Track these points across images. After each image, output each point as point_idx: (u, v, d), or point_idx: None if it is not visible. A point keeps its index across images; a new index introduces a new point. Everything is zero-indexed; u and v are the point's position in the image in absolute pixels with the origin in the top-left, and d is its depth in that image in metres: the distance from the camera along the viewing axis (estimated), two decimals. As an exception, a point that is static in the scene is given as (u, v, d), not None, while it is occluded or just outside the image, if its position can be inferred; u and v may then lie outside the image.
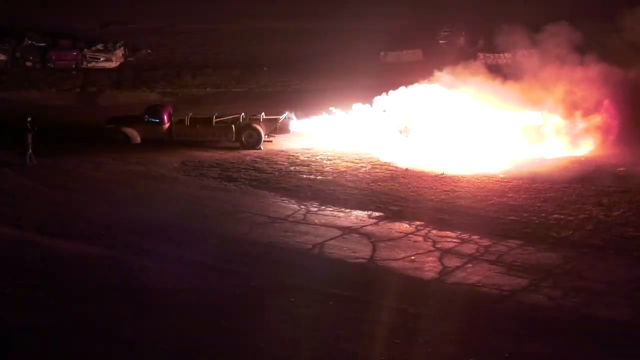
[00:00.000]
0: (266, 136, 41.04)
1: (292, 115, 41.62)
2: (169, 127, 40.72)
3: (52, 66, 57.79)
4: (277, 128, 41.33)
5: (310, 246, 28.59)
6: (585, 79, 38.99)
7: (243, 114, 41.35)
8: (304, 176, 36.28)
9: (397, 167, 37.00)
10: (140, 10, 65.03)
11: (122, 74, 56.98)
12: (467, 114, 38.85)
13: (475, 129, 38.62)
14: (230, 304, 24.51)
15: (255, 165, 37.92)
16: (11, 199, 33.65)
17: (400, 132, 39.72)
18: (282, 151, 40.16)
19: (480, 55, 55.01)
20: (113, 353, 21.98)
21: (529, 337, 22.55)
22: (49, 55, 58.18)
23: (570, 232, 29.46)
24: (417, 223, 30.51)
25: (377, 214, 31.66)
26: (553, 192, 33.20)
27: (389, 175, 36.13)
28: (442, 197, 33.34)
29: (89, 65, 58.10)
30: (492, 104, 38.84)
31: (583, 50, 40.68)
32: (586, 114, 38.79)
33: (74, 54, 58.41)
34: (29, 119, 37.83)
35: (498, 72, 41.85)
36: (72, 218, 31.45)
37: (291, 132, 41.51)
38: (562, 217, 30.77)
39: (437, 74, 40.12)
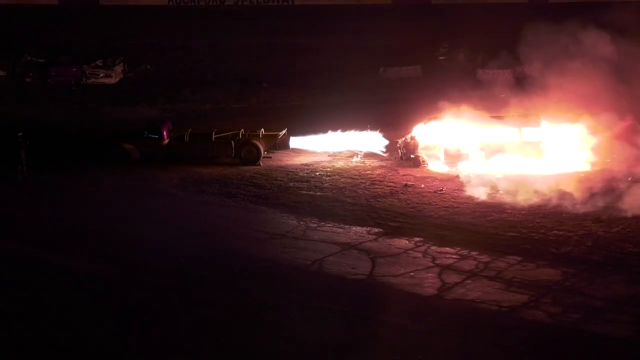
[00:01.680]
0: (265, 152, 41.00)
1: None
2: (168, 142, 40.66)
3: (52, 82, 57.75)
4: (276, 144, 41.31)
5: (309, 262, 28.60)
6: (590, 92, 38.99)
7: (242, 130, 41.30)
8: (303, 192, 36.26)
9: (396, 183, 37.00)
10: (140, 26, 65.09)
11: (121, 89, 56.96)
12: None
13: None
14: (229, 319, 24.53)
15: (255, 181, 37.89)
16: (10, 215, 33.61)
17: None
18: (281, 167, 40.12)
19: (480, 71, 55.03)
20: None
21: (528, 354, 22.57)
22: (48, 71, 58.15)
23: (570, 248, 29.46)
24: (417, 239, 30.51)
25: (376, 230, 31.65)
26: (552, 208, 33.17)
27: (388, 191, 36.10)
28: (442, 213, 33.33)
29: (89, 81, 58.03)
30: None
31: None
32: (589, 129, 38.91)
33: (74, 70, 58.31)
34: (19, 134, 37.90)
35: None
36: (71, 233, 31.48)
37: (290, 148, 41.49)
38: (561, 233, 30.77)
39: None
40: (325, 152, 41.27)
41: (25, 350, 23.21)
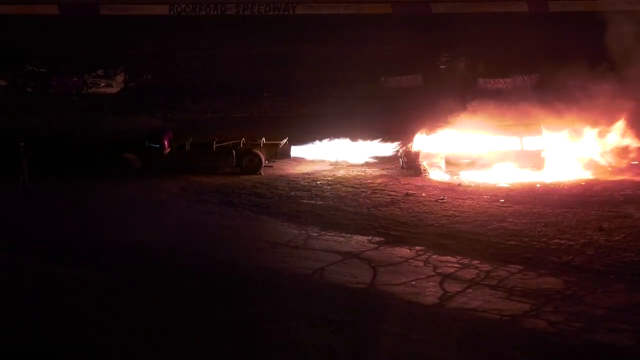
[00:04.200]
0: (266, 161, 41.00)
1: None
2: (169, 152, 40.68)
3: (53, 92, 57.78)
4: (277, 153, 41.30)
5: (310, 271, 28.55)
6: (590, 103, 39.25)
7: (243, 139, 41.31)
8: (305, 201, 36.24)
9: (397, 192, 36.99)
10: (141, 35, 65.20)
11: (122, 99, 57.00)
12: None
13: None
14: (229, 329, 24.49)
15: (256, 190, 37.88)
16: (10, 225, 33.58)
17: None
18: (282, 176, 40.12)
19: (481, 80, 55.10)
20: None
21: (530, 363, 22.58)
22: (49, 81, 58.19)
23: (571, 257, 29.40)
24: (418, 248, 30.46)
25: (377, 239, 31.61)
26: (554, 217, 33.15)
27: (389, 200, 36.09)
28: (443, 222, 33.30)
29: (90, 90, 58.06)
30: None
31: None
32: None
33: (75, 79, 58.39)
34: (21, 143, 37.95)
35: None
36: (73, 243, 31.45)
37: (291, 157, 41.50)
38: (562, 242, 30.72)
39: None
40: (326, 161, 41.28)
41: None
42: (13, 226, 33.40)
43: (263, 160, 40.64)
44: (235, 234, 32.71)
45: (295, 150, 41.45)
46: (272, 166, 41.31)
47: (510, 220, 33.12)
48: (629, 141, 39.50)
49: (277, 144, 41.40)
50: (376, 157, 41.07)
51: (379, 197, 36.60)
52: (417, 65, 58.05)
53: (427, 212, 34.41)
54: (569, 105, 39.57)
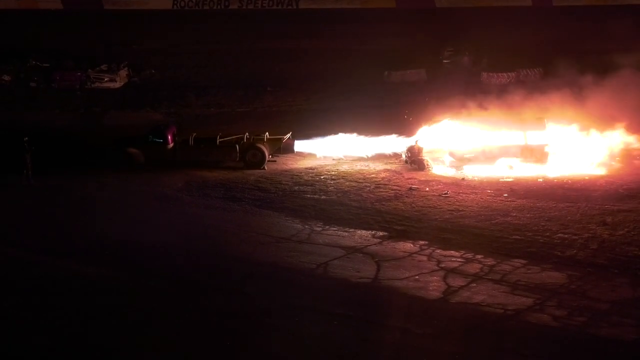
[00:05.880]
0: (270, 156, 40.98)
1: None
2: (173, 147, 40.66)
3: (56, 87, 57.73)
4: (281, 148, 41.29)
5: (314, 266, 28.58)
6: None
7: (247, 133, 41.29)
8: (308, 196, 36.25)
9: (400, 187, 36.98)
10: (144, 30, 65.13)
11: (126, 94, 56.95)
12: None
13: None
14: (234, 324, 24.52)
15: (259, 185, 37.88)
16: (15, 220, 33.63)
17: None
18: (285, 171, 40.10)
19: (484, 74, 55.02)
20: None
21: (533, 357, 22.54)
22: (53, 76, 58.16)
23: (575, 251, 29.42)
24: (422, 242, 30.49)
25: (381, 233, 31.63)
26: (557, 211, 33.16)
27: (393, 194, 36.08)
28: (447, 216, 33.31)
29: (93, 85, 57.96)
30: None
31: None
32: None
33: (78, 74, 58.29)
34: (25, 139, 37.99)
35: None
36: (76, 238, 31.50)
37: (295, 152, 41.49)
38: (566, 236, 30.73)
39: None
40: (330, 156, 41.25)
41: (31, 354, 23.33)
42: (17, 222, 33.45)
43: (267, 154, 40.63)
44: (239, 228, 32.73)
45: (299, 145, 41.43)
46: (275, 161, 41.31)
47: (514, 214, 33.14)
48: (634, 136, 39.52)
49: (281, 139, 41.38)
50: (380, 152, 41.00)
51: (382, 191, 36.60)
52: (420, 59, 57.91)
53: (430, 207, 34.42)
54: (573, 100, 39.53)
